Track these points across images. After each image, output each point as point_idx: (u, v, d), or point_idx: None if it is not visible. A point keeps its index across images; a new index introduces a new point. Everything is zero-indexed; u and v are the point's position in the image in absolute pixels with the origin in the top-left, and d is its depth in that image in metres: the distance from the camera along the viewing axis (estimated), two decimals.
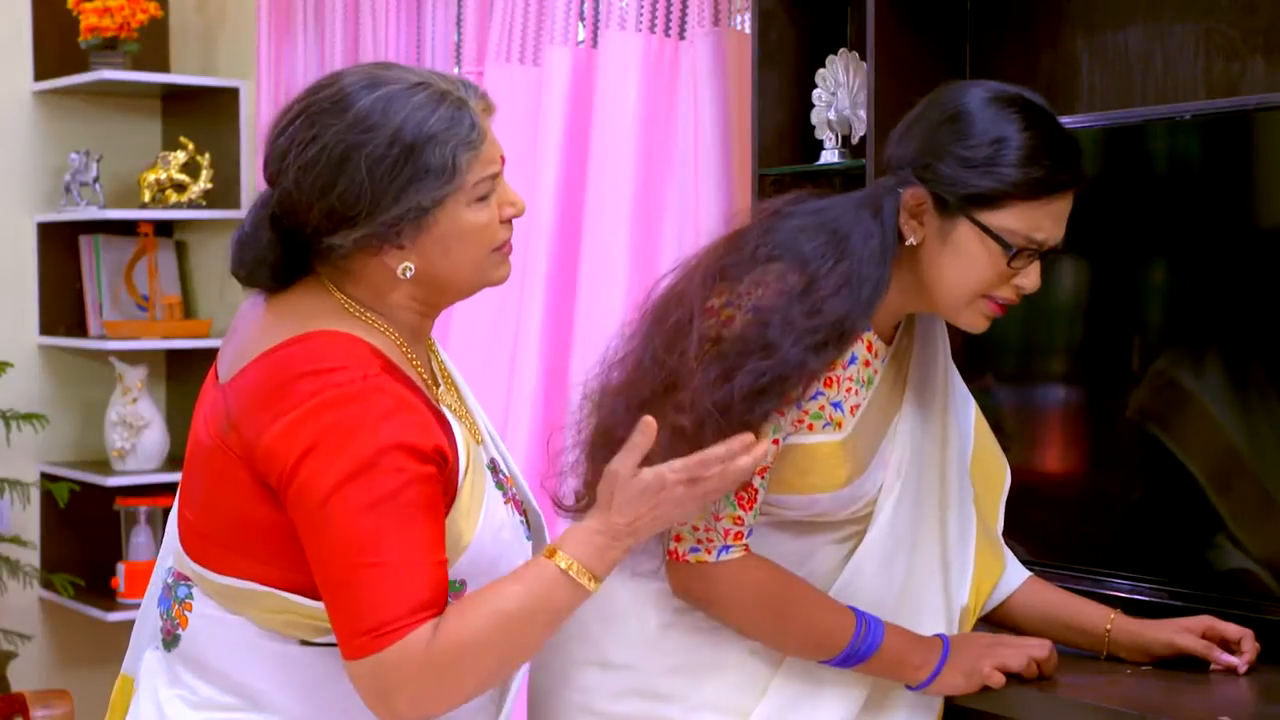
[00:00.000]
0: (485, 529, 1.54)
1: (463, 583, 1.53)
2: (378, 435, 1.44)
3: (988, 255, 1.62)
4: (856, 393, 1.67)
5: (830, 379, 1.63)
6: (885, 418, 1.71)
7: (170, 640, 1.59)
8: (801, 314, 1.58)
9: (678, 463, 1.49)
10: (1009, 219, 1.61)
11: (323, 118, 1.49)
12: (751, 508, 1.62)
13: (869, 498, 1.69)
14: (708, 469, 1.49)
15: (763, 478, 1.62)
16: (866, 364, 1.68)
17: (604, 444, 1.63)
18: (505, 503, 1.59)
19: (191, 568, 1.57)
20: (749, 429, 1.56)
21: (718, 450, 1.49)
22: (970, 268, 1.63)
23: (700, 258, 1.68)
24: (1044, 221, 1.62)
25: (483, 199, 1.52)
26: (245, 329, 1.57)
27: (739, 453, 1.50)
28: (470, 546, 1.53)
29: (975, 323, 1.68)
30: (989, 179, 1.60)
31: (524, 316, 2.77)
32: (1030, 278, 1.65)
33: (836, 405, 1.65)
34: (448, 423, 1.54)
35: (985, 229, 1.61)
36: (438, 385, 1.60)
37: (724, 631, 1.68)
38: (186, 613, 1.58)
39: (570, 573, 1.47)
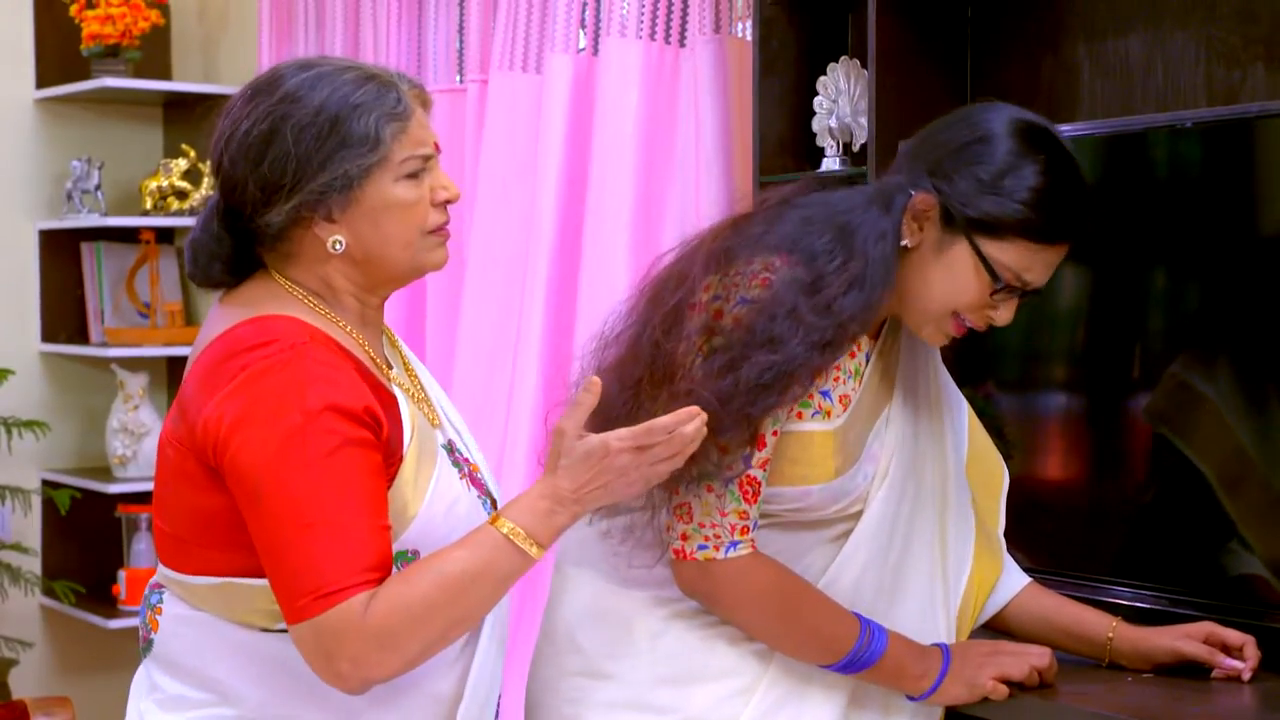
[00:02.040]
0: (436, 501, 1.56)
1: (415, 553, 1.55)
2: (305, 399, 1.47)
3: (975, 280, 1.63)
4: (844, 382, 1.67)
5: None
6: (873, 413, 1.71)
7: (145, 646, 1.62)
8: (810, 310, 1.58)
9: (623, 431, 1.50)
10: (1006, 253, 1.62)
11: (257, 98, 1.56)
12: (755, 500, 1.62)
13: (859, 492, 1.69)
14: (653, 437, 1.49)
15: (764, 470, 1.62)
16: (851, 355, 1.68)
17: (601, 422, 1.62)
18: (461, 478, 1.60)
19: (164, 573, 1.60)
20: (749, 423, 1.57)
21: (664, 420, 1.50)
22: (955, 286, 1.64)
23: (702, 239, 1.67)
24: (1036, 265, 1.64)
25: (412, 177, 1.56)
26: (203, 330, 1.62)
27: (685, 422, 1.50)
28: (418, 517, 1.54)
29: (935, 338, 1.69)
30: (1000, 209, 1.61)
31: (525, 323, 2.78)
32: (1004, 313, 1.66)
33: (825, 394, 1.65)
34: (390, 395, 1.56)
35: (981, 256, 1.62)
36: (390, 367, 1.62)
37: (714, 640, 1.68)
38: (157, 616, 1.61)
39: (512, 538, 1.49)
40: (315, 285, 1.59)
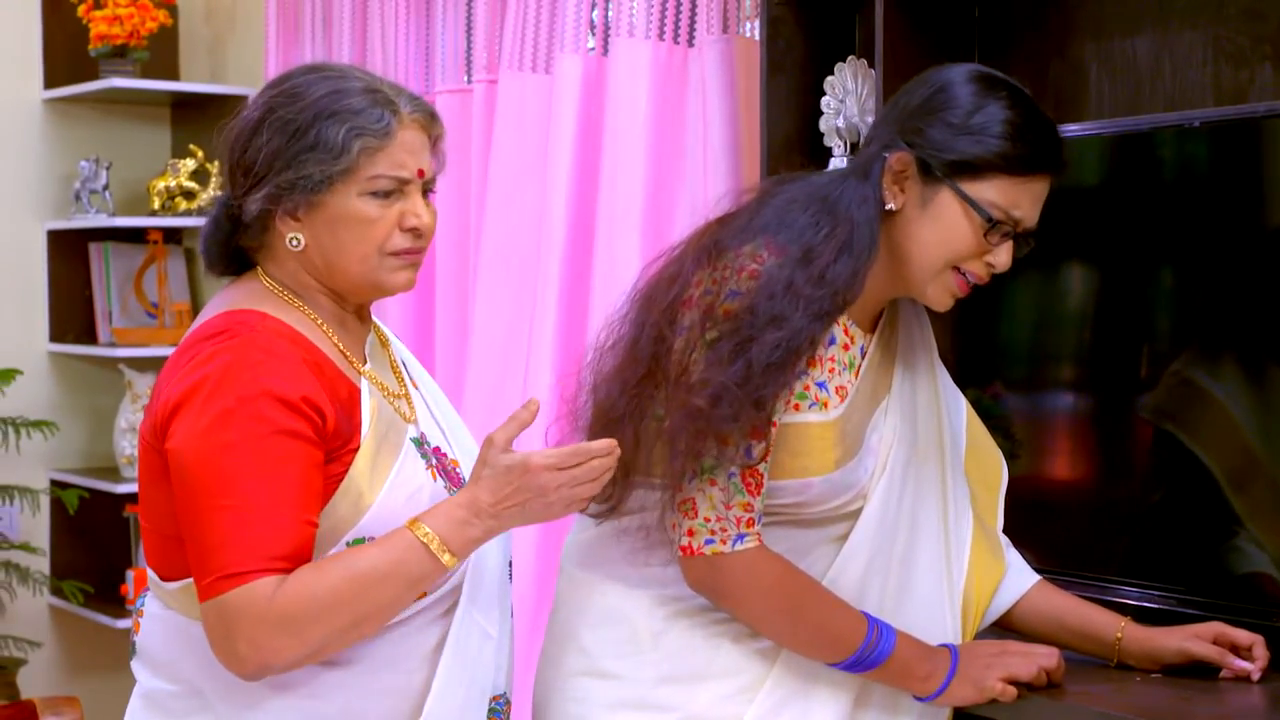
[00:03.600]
0: (396, 491, 1.58)
1: (371, 540, 1.56)
2: (241, 385, 1.50)
3: (967, 225, 1.64)
4: (839, 374, 1.68)
5: (814, 359, 1.65)
6: (871, 406, 1.72)
7: (131, 647, 1.67)
8: (806, 282, 1.60)
9: (548, 450, 1.53)
10: (991, 191, 1.63)
11: (264, 90, 1.63)
12: (758, 493, 1.63)
13: (860, 487, 1.69)
14: (578, 459, 1.52)
15: (766, 462, 1.63)
16: (845, 347, 1.69)
17: (602, 429, 1.64)
18: (427, 469, 1.62)
19: (151, 577, 1.64)
20: (763, 405, 1.58)
21: (593, 445, 1.52)
22: (947, 236, 1.65)
23: (688, 241, 1.69)
24: (1023, 199, 1.65)
25: (379, 195, 1.58)
26: None
27: (603, 453, 1.52)
28: (374, 505, 1.56)
29: (941, 298, 1.69)
30: (977, 147, 1.63)
31: (538, 323, 2.78)
32: (1002, 255, 1.67)
33: (821, 385, 1.66)
34: (353, 388, 1.59)
35: (967, 198, 1.63)
36: (364, 362, 1.65)
37: (718, 638, 1.69)
38: (139, 619, 1.66)
39: (424, 541, 1.51)
40: (291, 283, 1.63)
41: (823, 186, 1.68)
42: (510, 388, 2.85)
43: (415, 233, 1.60)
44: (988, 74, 1.68)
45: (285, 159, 1.56)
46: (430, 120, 1.63)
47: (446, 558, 1.52)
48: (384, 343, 1.72)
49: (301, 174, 1.56)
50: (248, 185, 1.59)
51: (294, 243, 1.60)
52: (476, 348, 2.91)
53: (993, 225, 1.64)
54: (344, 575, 1.49)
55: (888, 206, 1.66)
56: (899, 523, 1.72)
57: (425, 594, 1.58)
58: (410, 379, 1.71)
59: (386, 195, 1.58)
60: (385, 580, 1.50)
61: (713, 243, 1.65)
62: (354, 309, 1.66)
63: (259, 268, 1.64)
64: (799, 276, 1.60)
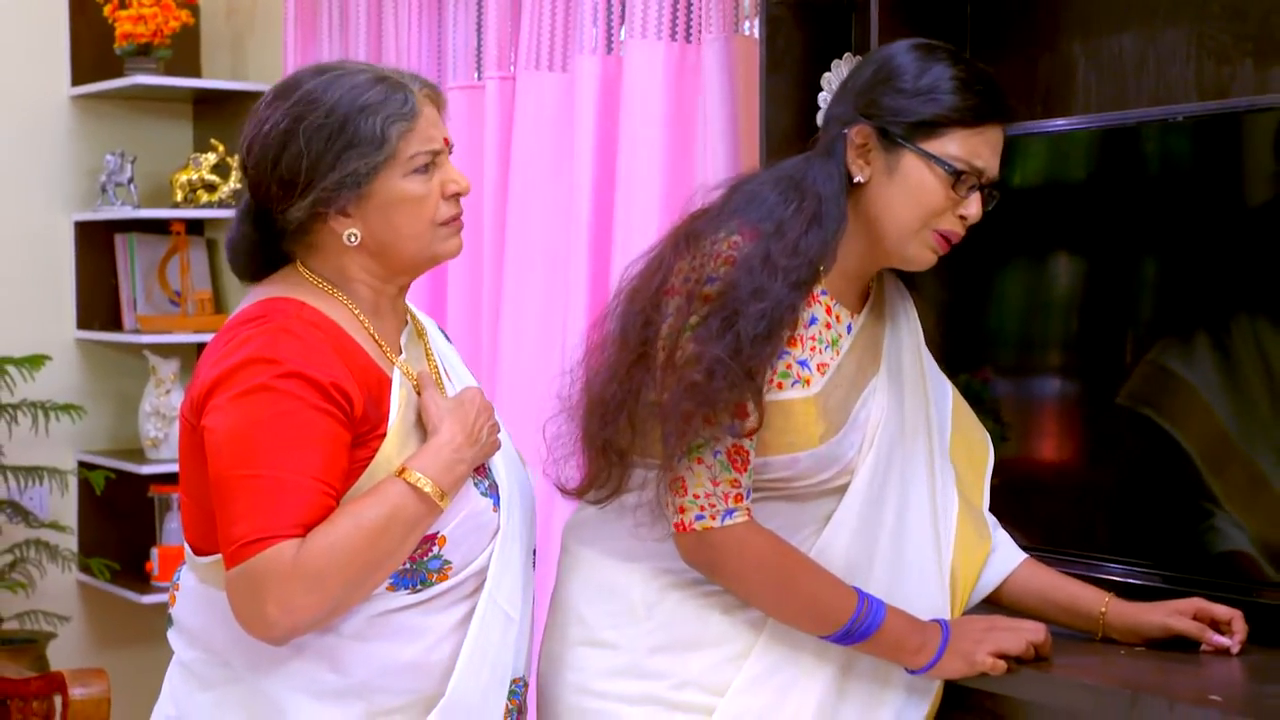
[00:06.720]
0: None
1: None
2: (272, 365, 1.55)
3: (934, 182, 1.69)
4: (820, 352, 1.72)
5: (794, 338, 1.69)
6: (857, 383, 1.75)
7: (169, 620, 1.72)
8: (781, 254, 1.66)
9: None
10: (951, 145, 1.69)
11: (277, 100, 1.64)
12: (745, 469, 1.67)
13: (847, 462, 1.73)
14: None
15: (751, 440, 1.68)
16: (828, 326, 1.74)
17: (597, 419, 1.70)
18: None
19: (187, 551, 1.69)
20: (754, 375, 1.63)
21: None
22: (917, 196, 1.70)
23: (667, 235, 1.75)
24: (982, 149, 1.70)
25: (421, 172, 1.63)
26: None
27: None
28: None
29: (923, 256, 1.74)
30: (931, 106, 1.69)
31: (569, 317, 2.79)
32: (973, 207, 1.71)
33: (803, 363, 1.70)
34: (384, 377, 1.64)
35: (930, 155, 1.69)
36: (399, 353, 1.69)
37: (708, 609, 1.73)
38: (175, 591, 1.71)
39: (416, 484, 1.58)
40: (331, 274, 1.67)
41: (789, 168, 1.75)
42: (545, 380, 2.85)
43: (457, 198, 1.66)
44: (925, 42, 1.74)
45: (327, 163, 1.59)
46: (436, 93, 1.68)
47: (440, 498, 1.59)
48: (421, 333, 1.76)
49: (347, 171, 1.60)
50: (288, 196, 1.61)
51: (351, 238, 1.63)
52: (506, 343, 2.90)
53: (958, 178, 1.69)
54: (352, 525, 1.54)
55: (856, 179, 1.71)
56: (887, 497, 1.75)
57: (446, 577, 1.64)
58: (445, 371, 1.76)
59: (426, 170, 1.63)
60: (388, 527, 1.56)
61: (690, 232, 1.71)
62: (390, 295, 1.70)
63: (298, 262, 1.68)
64: (774, 249, 1.65)
